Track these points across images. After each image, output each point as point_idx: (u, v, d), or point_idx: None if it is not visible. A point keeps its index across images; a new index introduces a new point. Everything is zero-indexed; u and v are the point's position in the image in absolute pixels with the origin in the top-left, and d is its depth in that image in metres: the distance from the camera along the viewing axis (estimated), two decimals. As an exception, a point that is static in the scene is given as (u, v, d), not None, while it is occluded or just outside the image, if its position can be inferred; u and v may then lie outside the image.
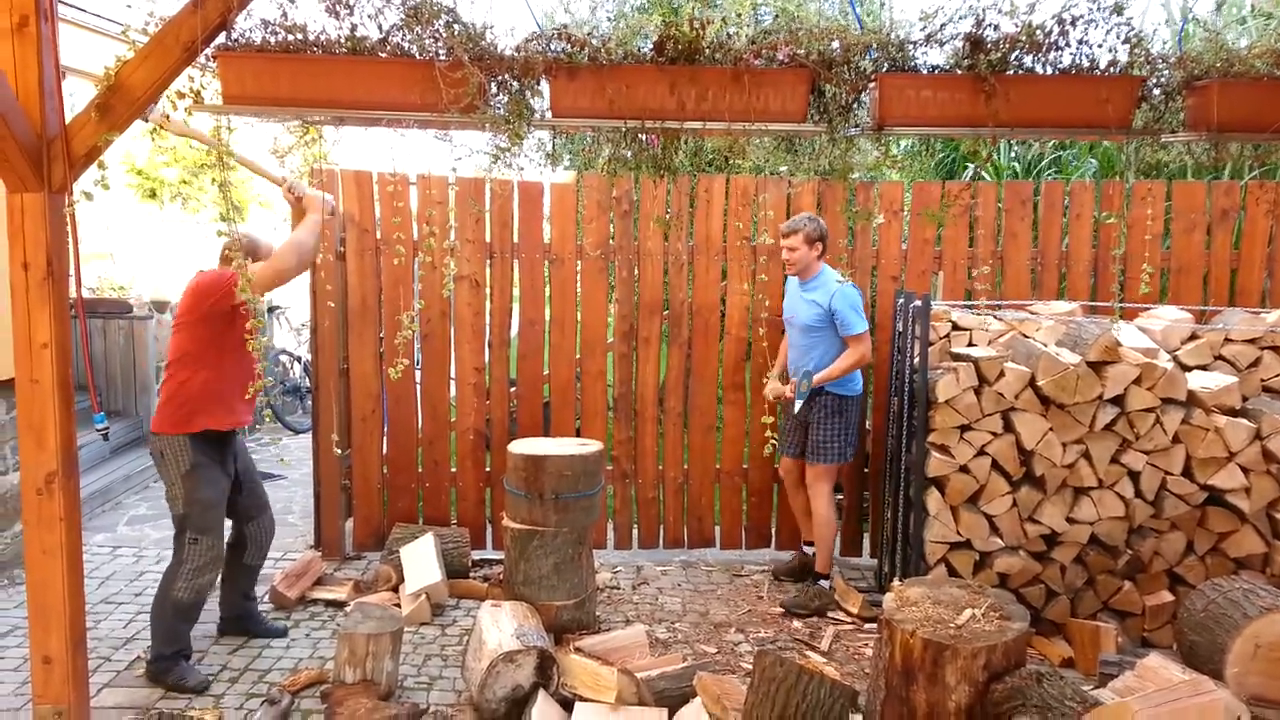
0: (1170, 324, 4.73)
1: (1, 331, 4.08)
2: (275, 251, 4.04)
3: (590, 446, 4.64)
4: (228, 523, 4.31)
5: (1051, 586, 4.46)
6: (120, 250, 9.06)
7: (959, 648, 3.05)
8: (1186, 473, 4.38)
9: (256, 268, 3.91)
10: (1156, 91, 3.23)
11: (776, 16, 3.22)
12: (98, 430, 3.98)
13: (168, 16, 2.92)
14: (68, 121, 3.00)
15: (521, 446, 4.61)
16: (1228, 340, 4.62)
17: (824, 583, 5.10)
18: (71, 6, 7.51)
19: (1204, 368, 4.60)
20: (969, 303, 5.31)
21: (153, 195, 9.34)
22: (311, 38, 3.03)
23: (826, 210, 5.47)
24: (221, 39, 2.99)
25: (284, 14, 3.01)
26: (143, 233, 9.25)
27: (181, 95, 3.00)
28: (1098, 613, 4.48)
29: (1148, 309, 5.06)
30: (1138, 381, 4.28)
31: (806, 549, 5.38)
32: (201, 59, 2.99)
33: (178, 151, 9.11)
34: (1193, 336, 4.68)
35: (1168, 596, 4.45)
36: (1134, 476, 4.39)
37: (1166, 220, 5.47)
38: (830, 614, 4.88)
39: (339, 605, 4.84)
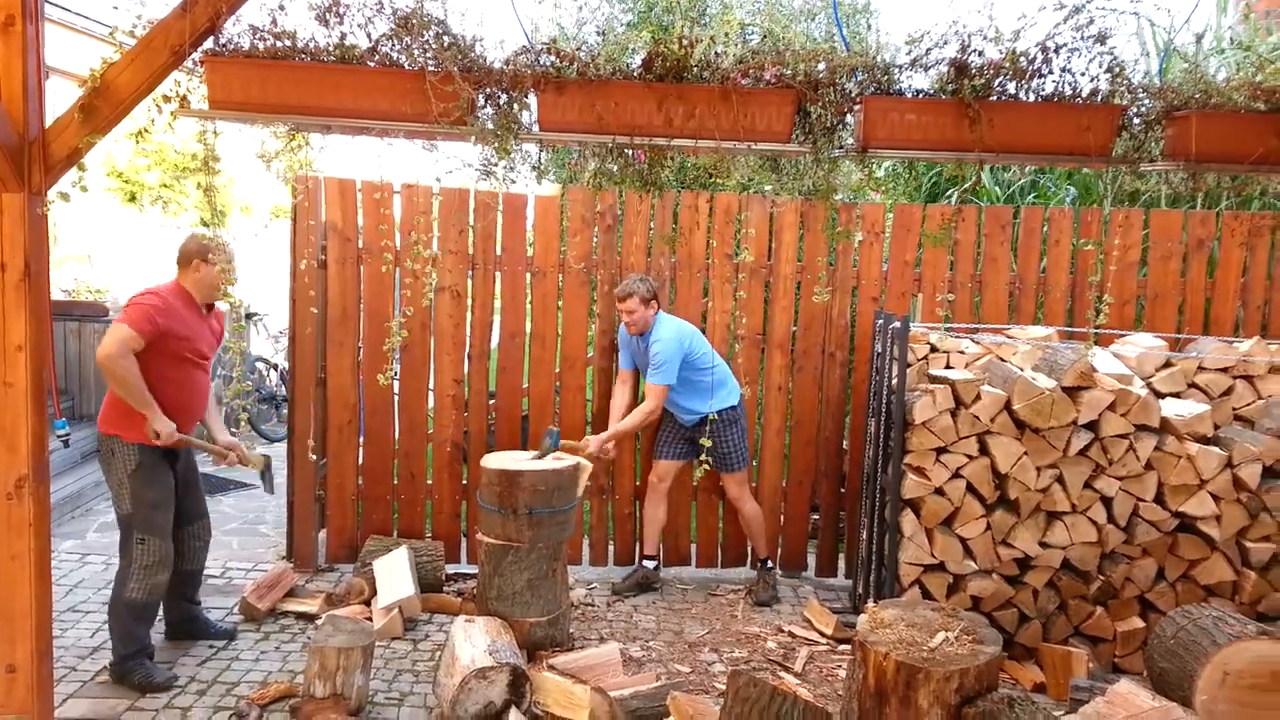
0: (1145, 351, 4.78)
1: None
2: (116, 338, 3.85)
3: (565, 461, 4.62)
4: None
5: (1024, 610, 4.48)
6: (98, 253, 8.98)
7: (932, 670, 3.05)
8: (1159, 499, 4.42)
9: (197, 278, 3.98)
10: (1137, 121, 3.26)
11: (764, 37, 3.23)
12: (57, 436, 3.93)
13: (156, 19, 2.90)
14: (50, 123, 2.97)
15: (495, 461, 4.58)
16: (1201, 368, 4.67)
17: (768, 564, 5.48)
18: (58, 7, 7.46)
19: (1177, 395, 4.65)
20: (948, 325, 5.34)
21: (133, 199, 9.28)
22: (300, 45, 3.02)
23: (809, 230, 5.50)
24: (210, 44, 2.97)
25: (273, 20, 3.00)
26: (121, 236, 9.18)
27: (167, 99, 2.99)
28: (1069, 638, 4.51)
29: (1123, 335, 5.11)
30: (1112, 407, 4.32)
31: (647, 563, 5.46)
32: (189, 63, 2.97)
33: (160, 155, 9.07)
34: (1167, 364, 4.74)
35: (1139, 623, 4.48)
36: (1107, 502, 4.42)
37: (1144, 249, 5.53)
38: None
39: (310, 618, 4.79)
